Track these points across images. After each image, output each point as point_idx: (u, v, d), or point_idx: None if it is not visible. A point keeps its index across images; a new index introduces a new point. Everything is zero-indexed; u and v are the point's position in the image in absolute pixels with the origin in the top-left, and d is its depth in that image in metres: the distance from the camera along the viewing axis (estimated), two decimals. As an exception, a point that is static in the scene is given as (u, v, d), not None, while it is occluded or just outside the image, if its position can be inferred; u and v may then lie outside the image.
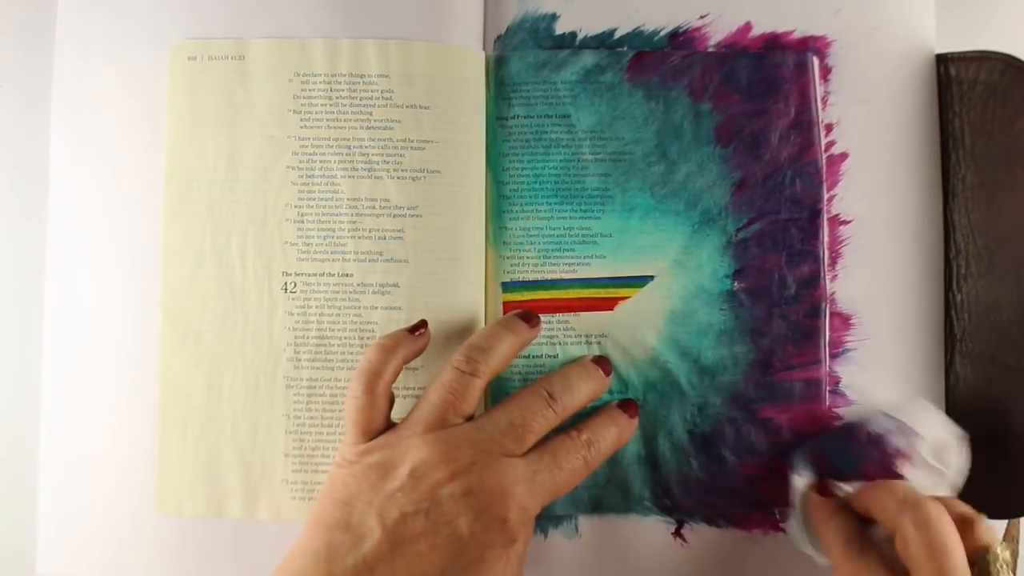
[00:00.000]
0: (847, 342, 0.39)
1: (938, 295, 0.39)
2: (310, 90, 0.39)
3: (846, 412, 0.39)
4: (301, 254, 0.39)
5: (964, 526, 0.31)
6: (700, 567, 0.39)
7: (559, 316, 0.39)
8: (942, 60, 0.40)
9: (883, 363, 0.39)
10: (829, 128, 0.40)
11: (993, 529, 0.32)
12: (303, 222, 0.39)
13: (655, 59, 0.40)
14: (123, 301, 0.39)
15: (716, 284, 0.39)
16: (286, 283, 0.39)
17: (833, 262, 0.39)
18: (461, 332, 0.38)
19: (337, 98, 0.39)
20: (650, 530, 0.39)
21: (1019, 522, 0.39)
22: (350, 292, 0.39)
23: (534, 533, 0.38)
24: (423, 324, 0.37)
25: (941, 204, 0.40)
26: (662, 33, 0.40)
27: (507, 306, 0.39)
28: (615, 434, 0.36)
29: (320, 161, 0.39)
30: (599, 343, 0.39)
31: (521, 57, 0.40)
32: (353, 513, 0.32)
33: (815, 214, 0.39)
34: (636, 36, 0.40)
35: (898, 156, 0.40)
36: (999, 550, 0.31)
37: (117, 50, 0.40)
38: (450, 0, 0.40)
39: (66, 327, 0.39)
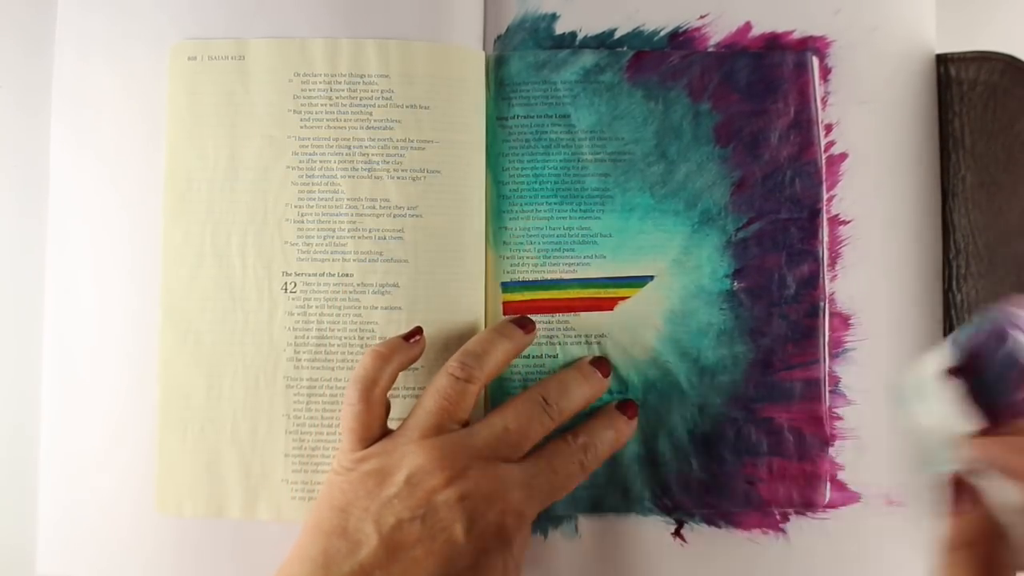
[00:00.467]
0: (847, 342, 0.39)
1: (938, 295, 0.39)
2: (310, 90, 0.39)
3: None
4: (301, 254, 0.39)
5: None
6: (700, 567, 0.39)
7: (559, 316, 0.39)
8: (942, 60, 0.40)
9: (882, 363, 0.39)
10: (829, 128, 0.40)
11: None
12: (303, 222, 0.39)
13: (654, 59, 0.40)
14: (123, 301, 0.39)
15: (716, 284, 0.39)
16: (286, 283, 0.39)
17: (833, 262, 0.39)
18: (461, 332, 0.38)
19: (337, 98, 0.39)
20: (650, 530, 0.39)
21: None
22: (350, 292, 0.39)
23: (533, 534, 0.38)
24: (418, 331, 0.37)
25: (940, 204, 0.40)
26: (662, 33, 0.40)
27: (507, 306, 0.39)
28: (612, 437, 0.36)
29: (320, 161, 0.39)
30: (599, 343, 0.39)
31: (521, 57, 0.40)
32: (350, 520, 0.32)
33: (814, 214, 0.39)
34: (636, 36, 0.40)
35: (898, 156, 0.40)
36: None
37: (117, 50, 0.40)
38: (450, 0, 0.40)
39: (66, 327, 0.39)
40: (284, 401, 0.39)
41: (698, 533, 0.39)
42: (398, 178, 0.39)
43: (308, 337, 0.39)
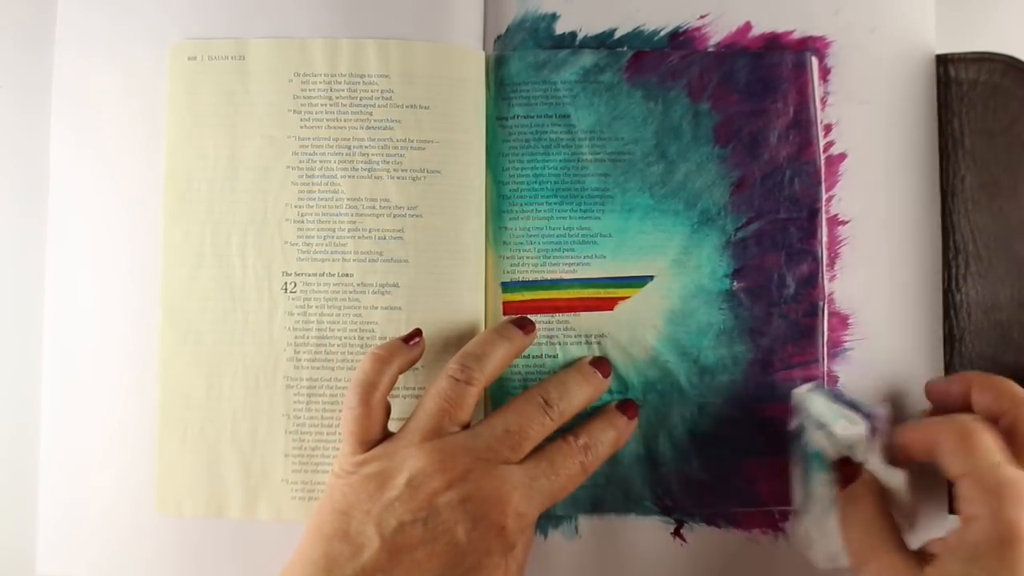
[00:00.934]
0: (845, 342, 0.39)
1: (937, 295, 0.39)
2: (310, 90, 0.39)
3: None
4: (301, 254, 0.39)
5: None
6: (700, 567, 0.39)
7: (559, 316, 0.39)
8: (942, 61, 0.40)
9: (881, 363, 0.39)
10: (828, 128, 0.40)
11: None
12: (303, 222, 0.39)
13: (654, 59, 0.40)
14: (123, 301, 0.39)
15: (715, 284, 0.39)
16: (286, 283, 0.39)
17: (832, 262, 0.39)
18: (461, 333, 0.38)
19: (337, 98, 0.39)
20: (650, 530, 0.39)
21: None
22: (350, 292, 0.39)
23: (534, 534, 0.38)
24: (418, 333, 0.37)
25: (940, 204, 0.40)
26: (662, 33, 0.40)
27: (507, 306, 0.39)
28: (613, 437, 0.36)
29: (320, 161, 0.39)
30: (599, 343, 0.39)
31: (521, 57, 0.40)
32: (351, 523, 0.32)
33: (814, 214, 0.39)
34: (636, 36, 0.40)
35: (897, 157, 0.40)
36: None
37: (117, 50, 0.40)
38: (450, 0, 0.40)
39: (66, 327, 0.39)
40: (284, 401, 0.39)
41: (698, 533, 0.39)
42: (398, 178, 0.39)
43: (308, 337, 0.39)
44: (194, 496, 0.38)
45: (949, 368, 0.39)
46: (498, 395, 0.39)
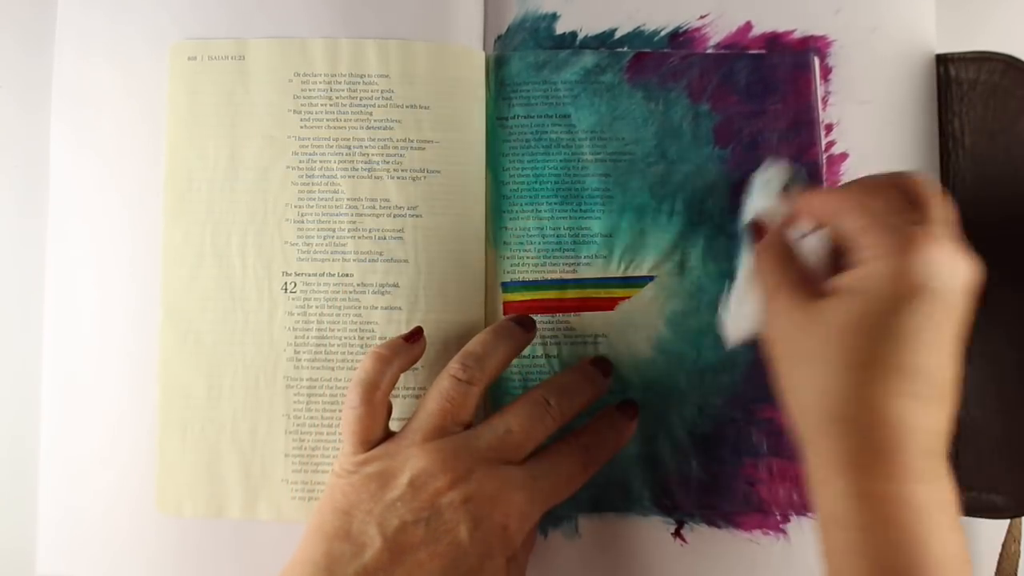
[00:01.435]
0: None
1: (938, 295, 0.39)
2: (310, 90, 0.39)
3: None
4: (301, 254, 0.39)
5: None
6: (700, 567, 0.39)
7: (559, 316, 0.39)
8: (942, 60, 0.40)
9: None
10: (829, 128, 0.40)
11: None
12: (303, 222, 0.39)
13: (655, 60, 0.40)
14: (123, 301, 0.39)
15: (715, 284, 0.39)
16: (286, 283, 0.39)
17: (833, 262, 0.39)
18: (461, 332, 0.38)
19: (337, 98, 0.39)
20: (650, 530, 0.39)
21: (1021, 521, 0.39)
22: (350, 292, 0.39)
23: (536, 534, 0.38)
24: (419, 332, 0.37)
25: (941, 204, 0.40)
26: (662, 33, 0.40)
27: (507, 306, 0.39)
28: (614, 438, 0.36)
29: (320, 161, 0.39)
30: (599, 343, 0.39)
31: (521, 57, 0.40)
32: (353, 523, 0.32)
33: (815, 214, 0.39)
34: (636, 36, 0.40)
35: (898, 156, 0.40)
36: None
37: (117, 50, 0.40)
38: (450, 0, 0.40)
39: (66, 327, 0.39)
40: (284, 401, 0.39)
41: (698, 533, 0.39)
42: (398, 178, 0.39)
43: (308, 337, 0.39)
44: (194, 496, 0.38)
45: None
46: (498, 395, 0.39)
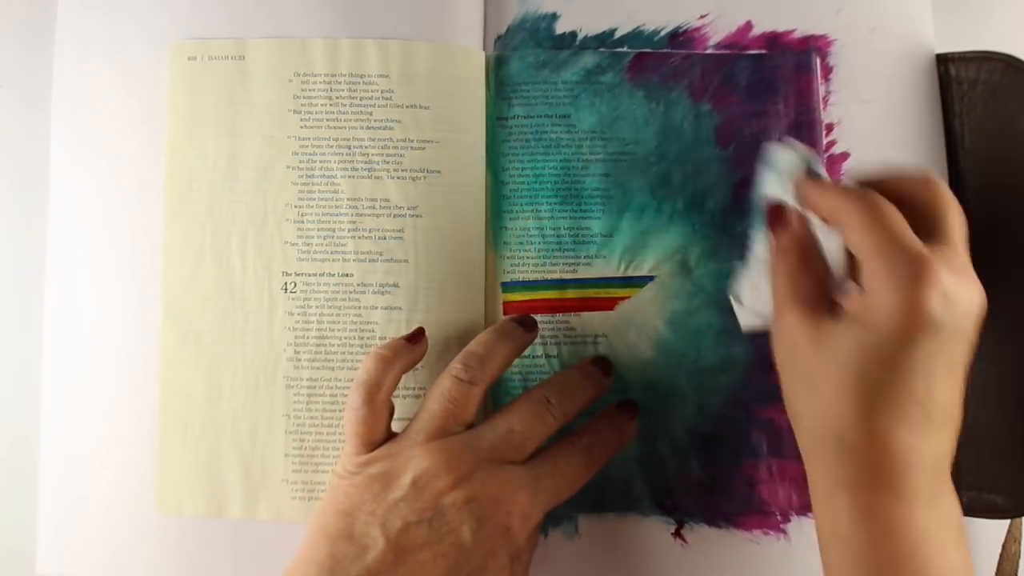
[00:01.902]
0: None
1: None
2: (310, 90, 0.39)
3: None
4: (301, 254, 0.39)
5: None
6: (700, 567, 0.39)
7: (559, 316, 0.39)
8: (942, 60, 0.40)
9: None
10: (830, 128, 0.40)
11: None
12: (303, 222, 0.39)
13: (655, 60, 0.40)
14: (123, 301, 0.39)
15: (716, 284, 0.39)
16: (286, 283, 0.39)
17: (833, 262, 0.39)
18: (461, 333, 0.38)
19: (337, 98, 0.39)
20: (650, 530, 0.39)
21: (1021, 521, 0.39)
22: (350, 292, 0.39)
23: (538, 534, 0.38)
24: (420, 332, 0.37)
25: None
26: (662, 33, 0.40)
27: (507, 306, 0.39)
28: (615, 437, 0.36)
29: (320, 161, 0.39)
30: (599, 343, 0.39)
31: (521, 57, 0.40)
32: (356, 524, 0.32)
33: (815, 214, 0.39)
34: (636, 36, 0.40)
35: (898, 156, 0.40)
36: None
37: (117, 50, 0.40)
38: (450, 0, 0.40)
39: (66, 327, 0.39)
40: (284, 401, 0.39)
41: (698, 533, 0.39)
42: (398, 178, 0.39)
43: (308, 337, 0.39)
44: (194, 496, 0.38)
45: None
46: (499, 395, 0.39)
